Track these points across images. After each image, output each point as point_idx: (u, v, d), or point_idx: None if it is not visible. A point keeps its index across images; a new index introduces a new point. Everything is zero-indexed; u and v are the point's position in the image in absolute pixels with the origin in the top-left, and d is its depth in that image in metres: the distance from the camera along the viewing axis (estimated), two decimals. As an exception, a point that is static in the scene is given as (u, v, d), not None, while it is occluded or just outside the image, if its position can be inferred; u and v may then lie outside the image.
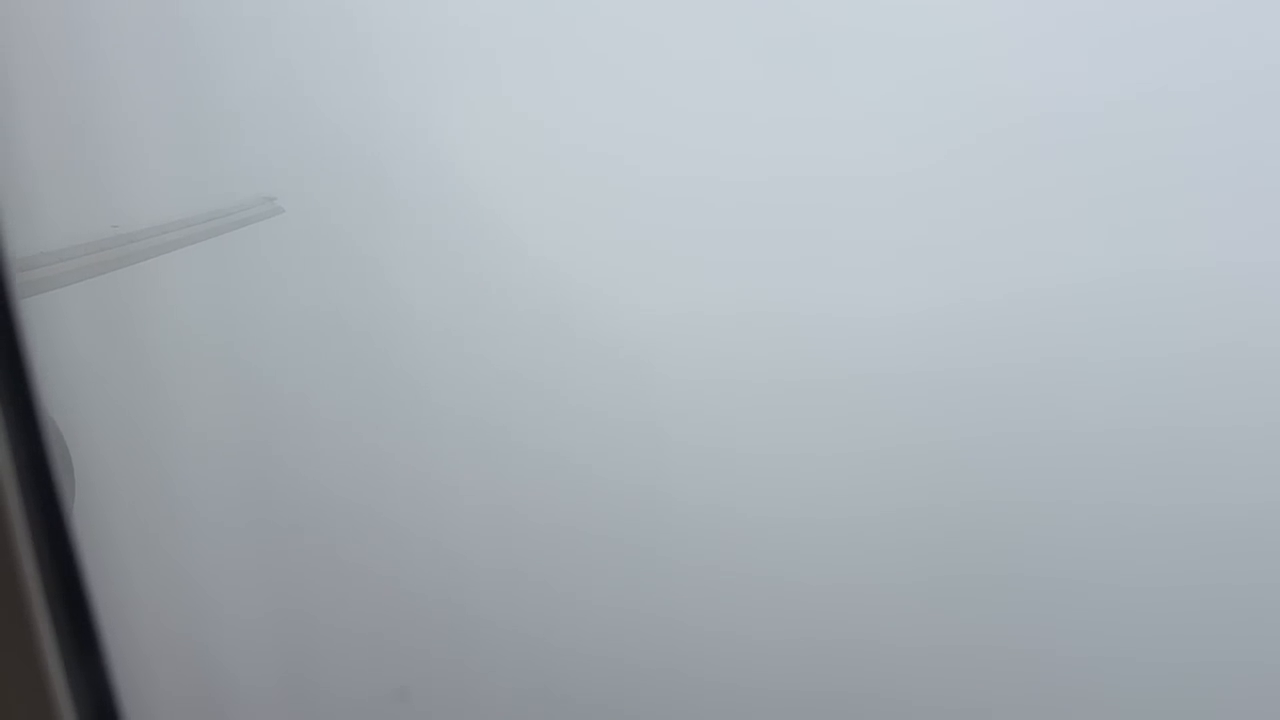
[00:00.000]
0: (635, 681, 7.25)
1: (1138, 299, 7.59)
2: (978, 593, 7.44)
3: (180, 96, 6.29)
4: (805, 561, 7.46)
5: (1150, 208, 7.48)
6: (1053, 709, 7.28)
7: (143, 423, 5.68)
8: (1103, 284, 7.59)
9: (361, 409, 7.35)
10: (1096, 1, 7.37)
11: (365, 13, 7.29)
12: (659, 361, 7.69)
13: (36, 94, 4.95)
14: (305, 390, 7.16)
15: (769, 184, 7.66)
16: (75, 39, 5.56)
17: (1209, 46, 7.20)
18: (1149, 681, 7.22)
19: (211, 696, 5.75)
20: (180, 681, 5.29)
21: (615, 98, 7.50)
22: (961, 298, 7.65)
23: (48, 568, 1.37)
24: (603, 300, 7.66)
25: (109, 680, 1.58)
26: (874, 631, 7.33)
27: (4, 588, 1.33)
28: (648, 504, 7.61)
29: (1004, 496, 7.54)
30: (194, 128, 6.40)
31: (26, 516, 1.34)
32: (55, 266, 3.72)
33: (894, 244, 7.70)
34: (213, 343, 6.39)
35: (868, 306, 7.67)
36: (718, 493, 7.60)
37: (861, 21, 7.42)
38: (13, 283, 1.51)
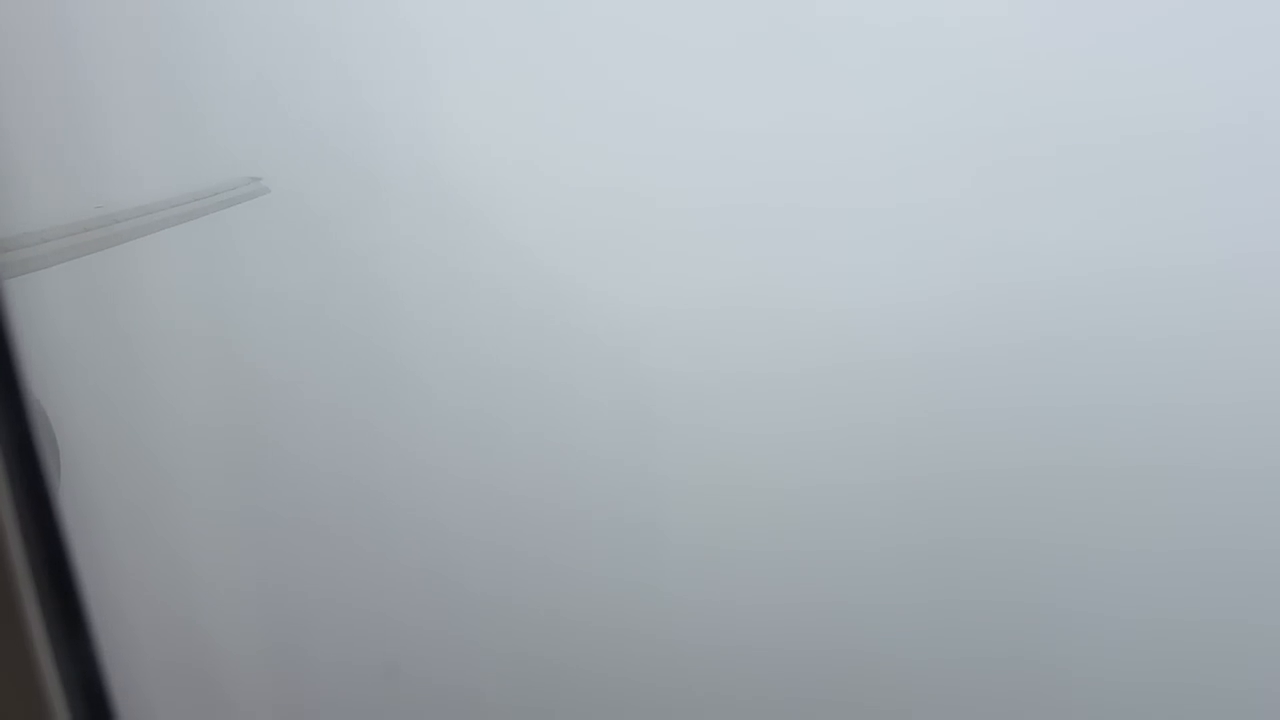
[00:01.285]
0: (625, 657, 7.31)
1: (1134, 289, 7.70)
2: (968, 563, 7.57)
3: (164, 75, 6.24)
4: (797, 535, 7.56)
5: (1150, 201, 7.55)
6: (1047, 680, 7.43)
7: (128, 404, 5.66)
8: (1096, 277, 7.69)
9: (349, 390, 7.34)
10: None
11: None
12: (650, 346, 7.72)
13: (18, 74, 4.90)
14: (292, 371, 7.15)
15: (757, 176, 7.67)
16: (57, 18, 5.50)
17: (1209, 43, 7.25)
18: (1137, 654, 7.37)
19: (201, 677, 5.77)
20: (169, 662, 5.30)
21: (606, 89, 7.49)
22: (953, 288, 7.72)
23: (35, 550, 1.37)
24: (593, 284, 7.67)
25: (97, 662, 1.58)
26: (865, 599, 7.47)
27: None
28: (638, 481, 7.65)
29: (996, 477, 7.65)
30: (178, 107, 6.35)
31: (13, 499, 1.34)
32: (38, 247, 3.69)
33: (883, 235, 7.75)
34: (198, 324, 6.37)
35: (856, 295, 7.74)
36: (707, 468, 7.66)
37: (854, 15, 7.42)
38: (-4, 264, 1.50)
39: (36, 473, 1.42)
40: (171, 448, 6.08)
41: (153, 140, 5.87)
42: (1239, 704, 7.30)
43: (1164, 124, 7.35)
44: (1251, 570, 7.38)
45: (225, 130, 6.64)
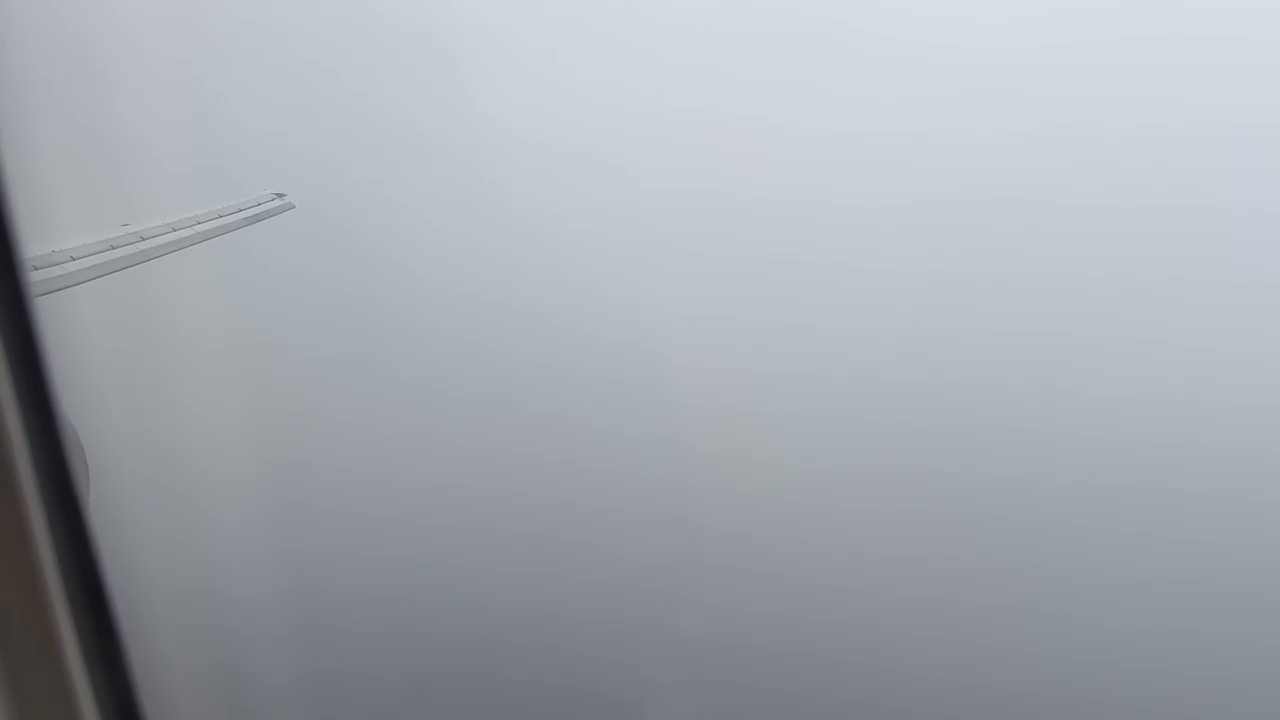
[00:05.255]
0: (653, 667, 7.30)
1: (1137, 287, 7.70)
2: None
3: (189, 95, 6.30)
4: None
5: (1153, 209, 7.54)
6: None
7: (158, 418, 5.70)
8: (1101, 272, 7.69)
9: (376, 404, 7.37)
10: (1106, 13, 7.37)
11: (375, 11, 7.30)
12: (670, 348, 7.72)
13: (48, 93, 4.96)
14: (319, 385, 7.18)
15: (778, 188, 7.68)
16: (86, 40, 5.57)
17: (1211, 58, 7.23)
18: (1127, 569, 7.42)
19: (231, 689, 5.79)
20: (200, 674, 5.33)
21: (630, 97, 7.51)
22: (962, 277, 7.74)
23: (67, 563, 1.38)
24: (626, 303, 7.69)
25: (129, 675, 1.58)
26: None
27: (24, 583, 1.33)
28: (662, 492, 7.63)
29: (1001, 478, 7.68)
30: (204, 125, 6.42)
31: (45, 513, 1.34)
32: (67, 265, 3.72)
33: (898, 229, 7.74)
34: (225, 338, 6.41)
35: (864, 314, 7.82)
36: (733, 484, 7.65)
37: (877, 29, 7.44)
38: (27, 281, 1.51)
39: (68, 487, 1.43)
40: (200, 463, 6.12)
41: (179, 158, 5.92)
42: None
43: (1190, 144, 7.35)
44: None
45: (250, 147, 6.70)
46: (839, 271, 7.69)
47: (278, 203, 5.87)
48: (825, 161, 7.54)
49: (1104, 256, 7.61)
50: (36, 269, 3.44)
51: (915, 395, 7.76)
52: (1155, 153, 7.35)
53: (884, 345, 7.75)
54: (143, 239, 4.38)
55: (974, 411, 7.73)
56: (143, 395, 5.58)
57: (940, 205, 7.63)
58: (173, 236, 4.65)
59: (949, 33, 7.39)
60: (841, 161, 7.54)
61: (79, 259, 3.81)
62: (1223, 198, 7.40)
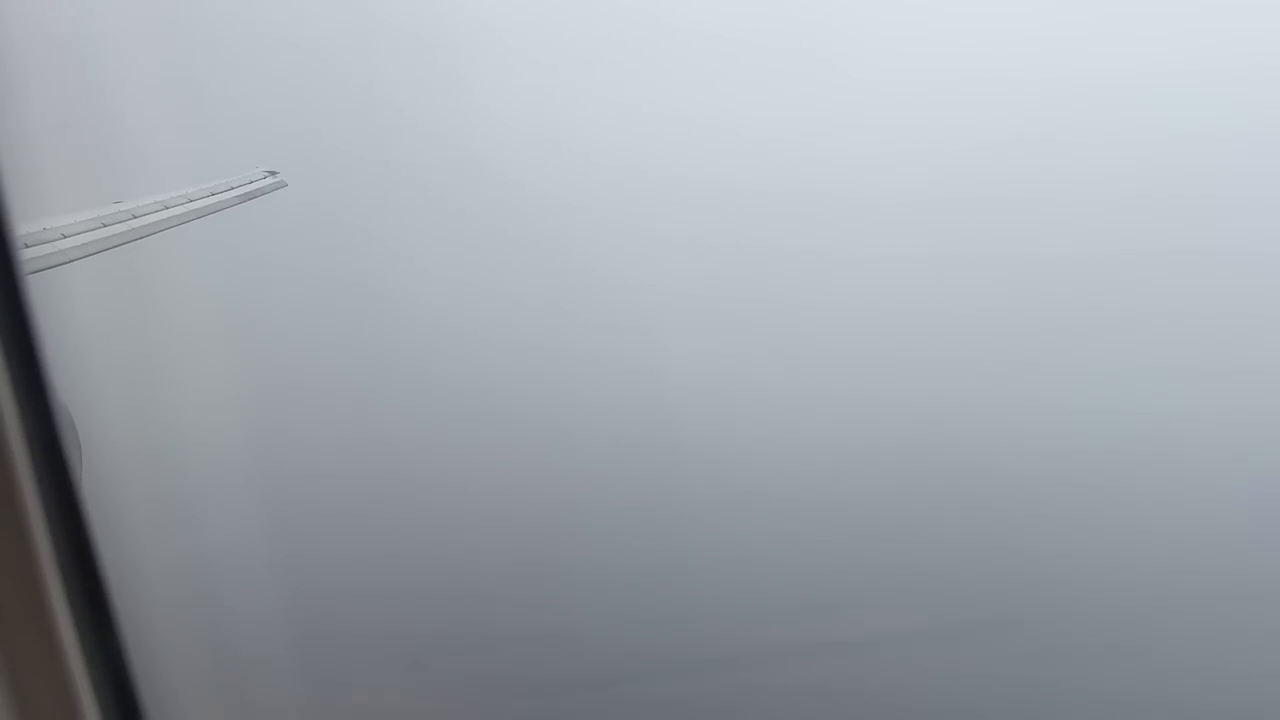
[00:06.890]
0: (642, 649, 7.34)
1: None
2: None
3: (181, 72, 6.26)
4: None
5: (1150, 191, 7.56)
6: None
7: (150, 397, 5.69)
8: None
9: (368, 384, 7.36)
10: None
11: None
12: (664, 343, 7.73)
13: (39, 72, 4.93)
14: (312, 364, 7.17)
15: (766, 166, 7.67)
16: (78, 16, 5.52)
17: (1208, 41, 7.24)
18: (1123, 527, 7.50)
19: (226, 670, 5.81)
20: (195, 656, 5.34)
21: (624, 87, 7.48)
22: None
23: (60, 542, 1.37)
24: (607, 274, 7.67)
25: (125, 658, 1.58)
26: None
27: (17, 564, 1.33)
28: (652, 479, 7.65)
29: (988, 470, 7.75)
30: (195, 103, 6.37)
31: (38, 492, 1.34)
32: (60, 243, 3.71)
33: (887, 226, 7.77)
34: (218, 316, 6.39)
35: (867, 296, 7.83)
36: (730, 489, 7.68)
37: (877, 17, 7.43)
38: (19, 260, 1.50)
39: (61, 467, 1.42)
40: (194, 442, 6.11)
41: (171, 136, 5.88)
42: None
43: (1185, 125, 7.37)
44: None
45: (242, 125, 6.66)
46: (836, 258, 7.70)
47: (270, 180, 5.84)
48: (822, 151, 7.55)
49: (1100, 237, 7.64)
50: (28, 246, 3.43)
51: (914, 378, 7.79)
52: (1146, 143, 7.38)
53: (883, 328, 7.77)
54: (135, 216, 4.36)
55: (976, 397, 7.75)
56: (135, 373, 5.57)
57: (937, 195, 7.64)
58: (165, 214, 4.63)
59: (946, 26, 7.40)
60: (837, 150, 7.55)
61: (71, 236, 3.79)
62: (1218, 182, 7.44)
